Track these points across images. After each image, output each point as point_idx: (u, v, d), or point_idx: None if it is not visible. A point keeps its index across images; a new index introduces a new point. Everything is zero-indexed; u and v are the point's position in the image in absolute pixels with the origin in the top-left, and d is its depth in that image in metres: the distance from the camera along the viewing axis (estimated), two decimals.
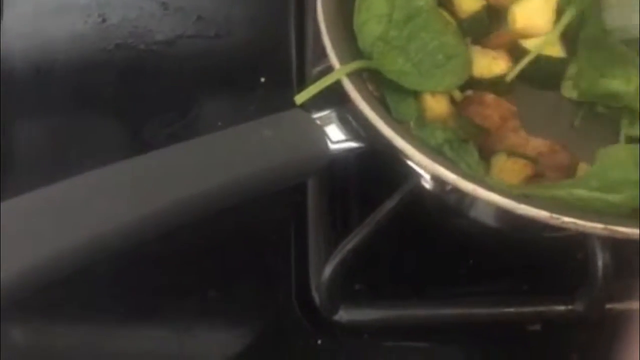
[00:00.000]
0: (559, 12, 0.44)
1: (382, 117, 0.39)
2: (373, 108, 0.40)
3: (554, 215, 0.35)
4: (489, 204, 0.37)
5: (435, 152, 0.40)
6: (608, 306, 0.45)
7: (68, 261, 0.35)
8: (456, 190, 0.39)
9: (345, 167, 0.51)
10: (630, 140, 0.42)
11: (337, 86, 0.42)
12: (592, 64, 0.43)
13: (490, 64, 0.44)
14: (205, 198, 0.37)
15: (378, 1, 0.45)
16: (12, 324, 0.47)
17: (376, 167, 0.48)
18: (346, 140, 0.41)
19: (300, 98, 0.40)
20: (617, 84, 0.42)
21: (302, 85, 0.55)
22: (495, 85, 0.45)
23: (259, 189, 0.39)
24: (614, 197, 0.37)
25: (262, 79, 0.56)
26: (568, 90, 0.44)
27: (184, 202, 0.37)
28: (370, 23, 0.44)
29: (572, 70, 0.44)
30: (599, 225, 0.35)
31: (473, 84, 0.44)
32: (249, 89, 0.56)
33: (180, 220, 0.38)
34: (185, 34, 0.58)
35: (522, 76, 0.44)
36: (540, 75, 0.45)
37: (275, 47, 0.58)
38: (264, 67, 0.56)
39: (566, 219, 0.35)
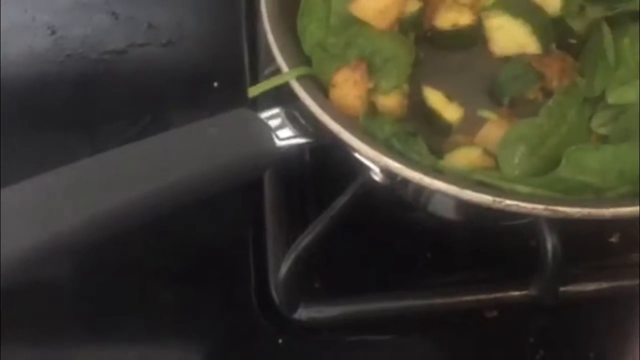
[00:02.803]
0: None
1: (328, 113, 0.40)
2: (320, 104, 0.40)
3: (497, 199, 0.36)
4: (436, 191, 0.38)
5: (384, 145, 0.41)
6: (562, 289, 0.46)
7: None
8: (405, 181, 0.39)
9: (301, 164, 0.51)
10: (601, 139, 0.42)
11: (284, 84, 0.43)
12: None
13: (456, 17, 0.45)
14: (155, 197, 0.38)
15: (317, 5, 0.45)
16: None
17: (332, 163, 0.49)
18: (294, 137, 0.41)
19: (253, 91, 0.41)
20: None
21: None
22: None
23: (209, 187, 0.39)
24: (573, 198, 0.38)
25: (215, 84, 0.56)
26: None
27: (134, 202, 0.38)
28: (311, 27, 0.45)
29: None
30: (540, 207, 0.35)
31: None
32: (202, 94, 0.56)
33: (132, 220, 0.38)
34: (136, 43, 0.58)
35: None
36: None
37: (227, 51, 0.58)
38: (216, 72, 0.57)
39: (509, 202, 0.36)
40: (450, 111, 0.44)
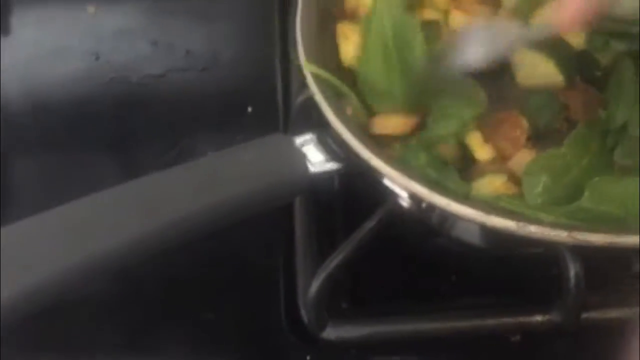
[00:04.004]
0: None
1: (359, 138, 0.42)
2: (350, 130, 0.42)
3: (521, 225, 0.37)
4: (462, 218, 0.39)
5: (418, 173, 0.42)
6: (584, 315, 0.47)
7: (68, 281, 0.37)
8: (431, 207, 0.41)
9: (330, 187, 0.53)
10: (624, 170, 0.43)
11: (317, 110, 0.45)
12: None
13: None
14: (192, 220, 0.39)
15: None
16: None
17: (360, 187, 0.50)
18: (326, 162, 0.43)
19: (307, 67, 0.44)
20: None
21: (288, 113, 0.58)
22: None
23: (244, 210, 0.41)
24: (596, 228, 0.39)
25: (249, 109, 0.59)
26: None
27: (171, 225, 0.39)
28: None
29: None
30: (564, 234, 0.37)
31: None
32: (236, 119, 0.58)
33: (168, 243, 0.40)
34: (175, 68, 0.61)
35: None
36: None
37: (262, 78, 0.60)
38: (250, 97, 0.59)
39: (533, 228, 0.37)
40: (482, 151, 0.45)
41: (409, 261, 0.51)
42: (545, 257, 0.47)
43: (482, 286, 0.51)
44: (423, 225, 0.50)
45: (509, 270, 0.50)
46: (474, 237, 0.51)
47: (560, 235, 0.37)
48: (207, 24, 0.64)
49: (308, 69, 0.45)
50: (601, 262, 0.46)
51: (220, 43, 0.63)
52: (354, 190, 0.52)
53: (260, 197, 0.41)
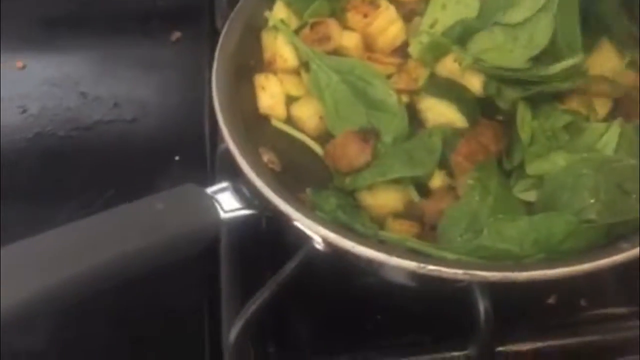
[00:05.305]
0: None
1: (270, 186, 0.43)
2: (262, 177, 0.44)
3: (421, 265, 0.39)
4: (366, 259, 0.41)
5: (329, 217, 0.44)
6: (499, 349, 0.48)
7: None
8: (344, 250, 0.42)
9: (257, 231, 0.54)
10: (525, 205, 0.45)
11: (234, 160, 0.46)
12: None
13: None
14: (103, 270, 0.40)
15: None
16: None
17: (286, 231, 0.51)
18: (239, 209, 0.44)
19: None
20: None
21: (214, 162, 0.59)
22: None
23: (157, 258, 0.42)
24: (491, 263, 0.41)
25: (177, 158, 0.60)
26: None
27: (89, 272, 0.40)
28: None
29: None
30: (460, 271, 0.38)
31: None
32: (164, 168, 0.59)
33: (85, 291, 0.41)
34: (103, 120, 0.62)
35: None
36: None
37: (190, 127, 0.62)
38: (178, 146, 0.60)
39: (431, 267, 0.39)
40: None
41: (335, 302, 0.52)
42: (462, 292, 0.49)
43: (407, 323, 0.52)
44: (346, 266, 0.51)
45: (431, 307, 0.51)
46: (396, 275, 0.52)
47: (457, 273, 0.38)
48: (136, 74, 0.65)
49: (222, 120, 0.47)
50: (517, 297, 0.48)
51: (149, 93, 0.64)
52: (281, 233, 0.53)
53: (172, 244, 0.42)
